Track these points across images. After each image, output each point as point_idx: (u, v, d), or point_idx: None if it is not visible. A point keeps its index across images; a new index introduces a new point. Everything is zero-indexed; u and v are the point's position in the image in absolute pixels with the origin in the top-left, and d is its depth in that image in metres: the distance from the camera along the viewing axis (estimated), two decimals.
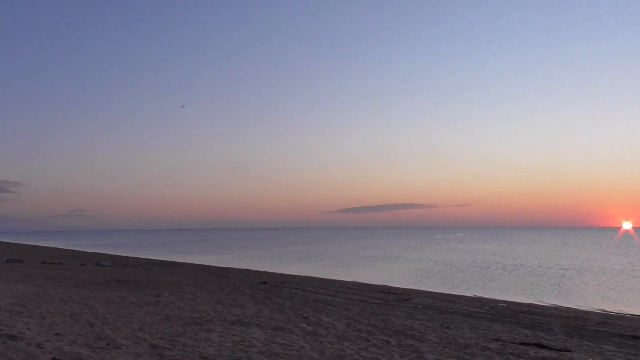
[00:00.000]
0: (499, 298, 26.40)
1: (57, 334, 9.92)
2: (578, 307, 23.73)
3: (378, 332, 12.61)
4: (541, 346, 11.65)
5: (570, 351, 11.27)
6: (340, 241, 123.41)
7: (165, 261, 51.02)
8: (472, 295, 27.61)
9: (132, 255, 61.47)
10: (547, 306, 23.71)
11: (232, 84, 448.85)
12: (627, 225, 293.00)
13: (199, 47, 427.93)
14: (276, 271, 41.41)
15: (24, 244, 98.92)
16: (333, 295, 22.95)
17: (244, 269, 42.45)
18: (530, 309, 21.42)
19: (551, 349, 11.40)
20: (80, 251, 73.77)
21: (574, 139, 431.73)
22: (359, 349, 10.43)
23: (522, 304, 23.71)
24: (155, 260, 52.84)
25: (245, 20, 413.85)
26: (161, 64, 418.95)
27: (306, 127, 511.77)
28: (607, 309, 23.62)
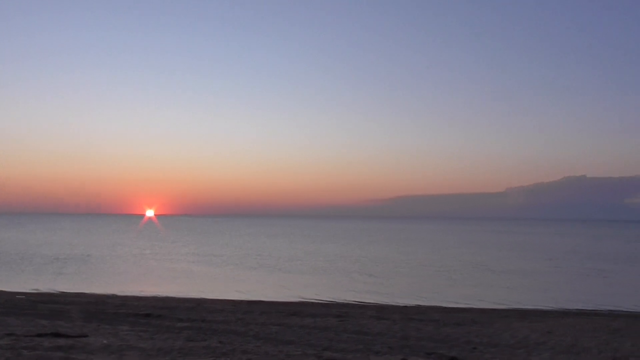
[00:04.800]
0: (17, 290, 24.62)
1: None
2: (101, 292, 24.37)
3: None
4: (58, 335, 11.45)
5: (87, 336, 11.45)
6: None
7: None
8: None
9: None
10: (70, 293, 23.49)
11: None
12: (150, 213, 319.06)
13: None
14: None
15: None
16: None
17: None
18: (52, 298, 20.84)
19: (68, 336, 11.34)
20: None
21: (101, 127, 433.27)
22: None
23: (43, 294, 22.82)
24: None
25: None
26: None
27: None
28: (127, 291, 25.10)
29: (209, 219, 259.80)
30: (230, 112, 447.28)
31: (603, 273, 37.02)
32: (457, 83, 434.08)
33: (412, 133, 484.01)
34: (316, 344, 11.44)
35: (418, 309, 20.15)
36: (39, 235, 79.99)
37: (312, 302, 22.37)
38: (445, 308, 21.15)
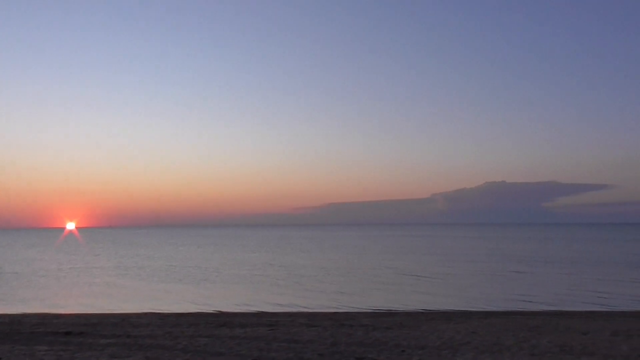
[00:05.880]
0: None
1: None
2: (15, 312, 22.97)
3: None
4: None
5: (1, 359, 10.77)
6: None
7: None
8: None
9: None
10: None
11: None
12: (71, 226, 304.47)
13: None
14: None
15: None
16: None
17: None
18: None
19: None
20: None
21: (13, 133, 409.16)
22: None
23: None
24: None
25: None
26: None
27: None
28: (45, 309, 23.80)
29: (133, 231, 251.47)
30: (157, 119, 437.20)
31: (521, 274, 38.87)
32: (385, 91, 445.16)
33: (342, 141, 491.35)
34: (246, 355, 11.30)
35: (348, 315, 20.34)
36: None
37: (242, 312, 22.09)
38: (375, 313, 21.48)
